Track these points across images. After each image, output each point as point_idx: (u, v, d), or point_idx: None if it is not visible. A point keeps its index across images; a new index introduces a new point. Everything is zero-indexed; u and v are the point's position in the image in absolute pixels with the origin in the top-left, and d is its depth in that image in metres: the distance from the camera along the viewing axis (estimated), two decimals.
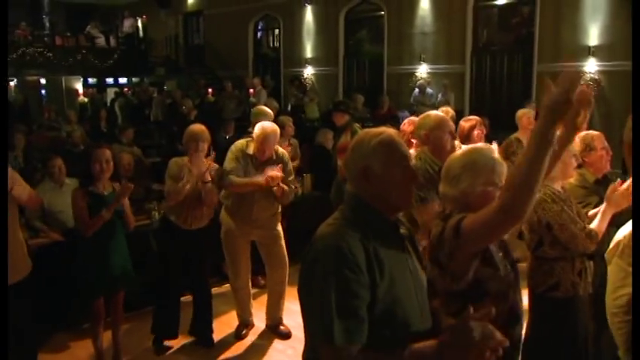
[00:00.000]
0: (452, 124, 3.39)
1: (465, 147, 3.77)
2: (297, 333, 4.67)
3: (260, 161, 4.33)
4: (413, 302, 1.75)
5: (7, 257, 2.52)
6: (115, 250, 3.93)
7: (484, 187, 2.09)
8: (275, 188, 4.25)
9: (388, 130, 1.83)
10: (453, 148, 3.28)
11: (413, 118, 4.68)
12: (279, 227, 4.59)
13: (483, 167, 2.12)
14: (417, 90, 12.02)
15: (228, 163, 4.33)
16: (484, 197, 2.07)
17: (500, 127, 7.60)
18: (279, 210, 4.61)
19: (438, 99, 11.30)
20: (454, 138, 3.38)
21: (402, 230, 1.86)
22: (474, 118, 4.66)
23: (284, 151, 4.57)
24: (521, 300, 2.22)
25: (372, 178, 1.74)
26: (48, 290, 4.33)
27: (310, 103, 12.99)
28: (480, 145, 2.75)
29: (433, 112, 3.51)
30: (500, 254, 2.13)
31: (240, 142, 4.44)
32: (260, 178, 4.21)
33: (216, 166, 4.36)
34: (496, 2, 11.93)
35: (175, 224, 4.34)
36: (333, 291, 1.58)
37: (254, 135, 4.35)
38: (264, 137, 4.27)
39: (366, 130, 1.88)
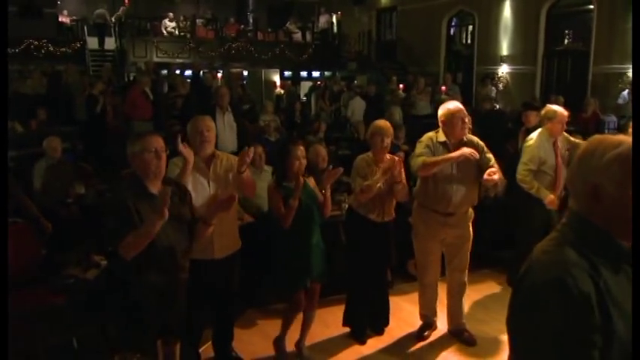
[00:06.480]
0: None
1: None
2: (481, 342, 4.49)
3: (452, 146, 4.16)
4: None
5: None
6: (315, 243, 4.03)
7: None
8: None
9: (628, 141, 1.47)
10: None
11: None
12: (471, 228, 4.41)
13: None
14: (626, 91, 10.87)
15: (417, 149, 4.24)
16: None
17: None
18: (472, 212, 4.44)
19: None
20: None
21: None
22: None
23: (478, 140, 4.35)
24: None
25: (605, 199, 1.45)
26: (243, 268, 4.58)
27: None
28: None
29: None
30: None
31: (429, 133, 4.33)
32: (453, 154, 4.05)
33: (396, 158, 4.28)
34: None
35: (364, 216, 4.35)
36: (559, 335, 1.35)
37: (439, 118, 4.22)
38: (450, 116, 4.13)
39: (599, 137, 1.54)
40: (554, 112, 5.04)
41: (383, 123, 4.40)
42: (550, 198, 4.88)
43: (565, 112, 5.04)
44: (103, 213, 2.96)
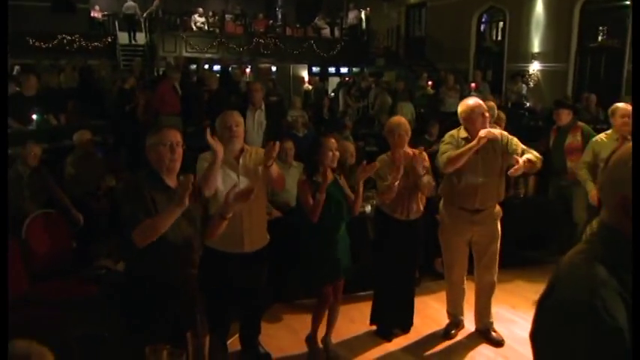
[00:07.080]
0: None
1: None
2: (509, 342, 4.44)
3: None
4: None
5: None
6: (341, 238, 4.02)
7: None
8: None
9: None
10: None
11: None
12: (499, 226, 4.36)
13: None
14: None
15: (441, 148, 4.24)
16: None
17: None
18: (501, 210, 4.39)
19: None
20: None
21: None
22: None
23: (502, 130, 4.33)
24: None
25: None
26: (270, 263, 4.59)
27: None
28: None
29: None
30: None
31: (451, 131, 4.32)
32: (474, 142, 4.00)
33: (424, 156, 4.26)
34: None
35: (390, 215, 4.34)
36: (586, 357, 1.26)
37: (459, 115, 4.20)
38: (470, 112, 4.09)
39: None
40: (616, 107, 5.07)
41: (395, 119, 4.38)
42: (593, 192, 4.86)
43: (628, 107, 4.94)
44: (120, 200, 2.98)
